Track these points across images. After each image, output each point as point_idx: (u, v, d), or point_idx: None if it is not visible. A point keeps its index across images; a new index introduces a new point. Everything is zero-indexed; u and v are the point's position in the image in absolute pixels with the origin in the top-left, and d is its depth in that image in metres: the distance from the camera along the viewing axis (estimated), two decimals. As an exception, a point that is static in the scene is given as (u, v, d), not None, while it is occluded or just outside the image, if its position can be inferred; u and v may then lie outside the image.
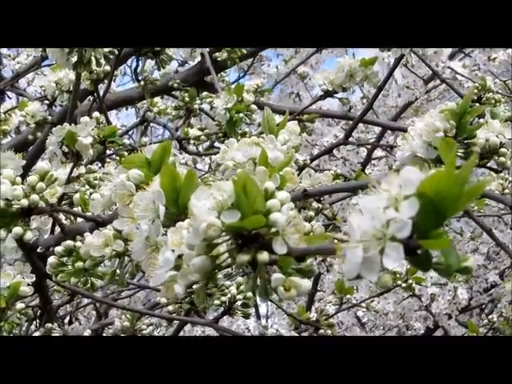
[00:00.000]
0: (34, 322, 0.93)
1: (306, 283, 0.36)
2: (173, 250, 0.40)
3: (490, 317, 2.30)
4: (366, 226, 0.34)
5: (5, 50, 1.53)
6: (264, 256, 0.36)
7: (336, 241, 0.36)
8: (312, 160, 1.20)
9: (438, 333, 2.43)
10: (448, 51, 1.94)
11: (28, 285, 0.75)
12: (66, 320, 1.51)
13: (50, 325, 0.90)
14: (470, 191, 0.33)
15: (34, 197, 0.58)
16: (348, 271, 0.34)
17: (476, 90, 1.25)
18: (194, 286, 0.40)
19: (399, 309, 2.39)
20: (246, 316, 1.06)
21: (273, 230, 0.36)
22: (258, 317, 2.96)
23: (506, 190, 1.30)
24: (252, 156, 0.59)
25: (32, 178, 0.60)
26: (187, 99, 1.29)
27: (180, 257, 0.40)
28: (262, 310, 3.72)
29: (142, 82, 1.31)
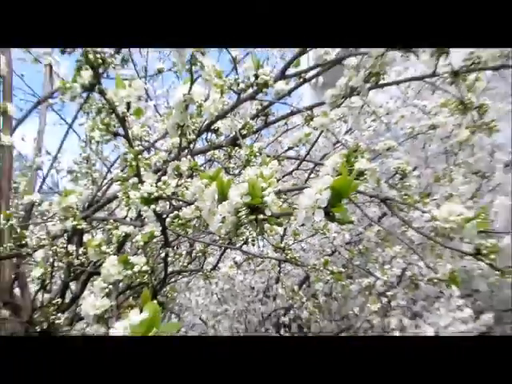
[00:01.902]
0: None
1: (280, 228, 0.48)
2: (220, 215, 0.50)
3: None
4: (307, 202, 0.46)
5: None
6: (261, 216, 0.47)
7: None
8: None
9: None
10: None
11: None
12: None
13: (169, 249, 1.01)
14: (352, 186, 0.45)
15: (160, 192, 0.70)
16: (299, 222, 0.46)
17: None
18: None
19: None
20: (253, 244, 1.16)
21: (265, 204, 0.47)
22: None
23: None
24: (257, 173, 0.69)
25: (159, 183, 0.72)
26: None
27: (224, 218, 0.49)
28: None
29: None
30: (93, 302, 0.66)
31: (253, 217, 0.48)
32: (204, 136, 1.16)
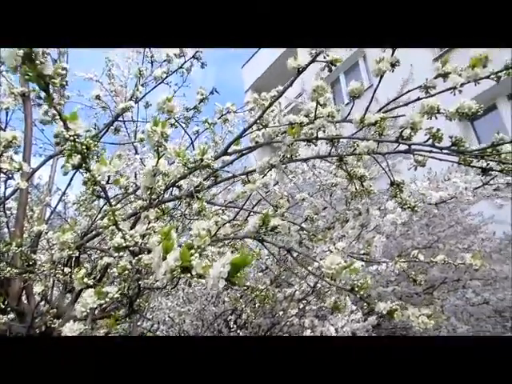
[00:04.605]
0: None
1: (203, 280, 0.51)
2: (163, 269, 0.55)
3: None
4: (214, 273, 0.47)
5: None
6: (188, 274, 0.49)
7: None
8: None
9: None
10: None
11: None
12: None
13: (139, 275, 0.99)
14: (247, 261, 0.47)
15: (127, 243, 0.74)
16: (208, 287, 0.47)
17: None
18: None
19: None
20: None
21: (191, 266, 0.48)
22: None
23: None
24: (197, 231, 0.68)
25: (127, 236, 0.76)
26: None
27: (165, 272, 0.55)
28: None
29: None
30: (71, 327, 0.66)
31: (182, 275, 0.50)
32: (170, 190, 1.16)
